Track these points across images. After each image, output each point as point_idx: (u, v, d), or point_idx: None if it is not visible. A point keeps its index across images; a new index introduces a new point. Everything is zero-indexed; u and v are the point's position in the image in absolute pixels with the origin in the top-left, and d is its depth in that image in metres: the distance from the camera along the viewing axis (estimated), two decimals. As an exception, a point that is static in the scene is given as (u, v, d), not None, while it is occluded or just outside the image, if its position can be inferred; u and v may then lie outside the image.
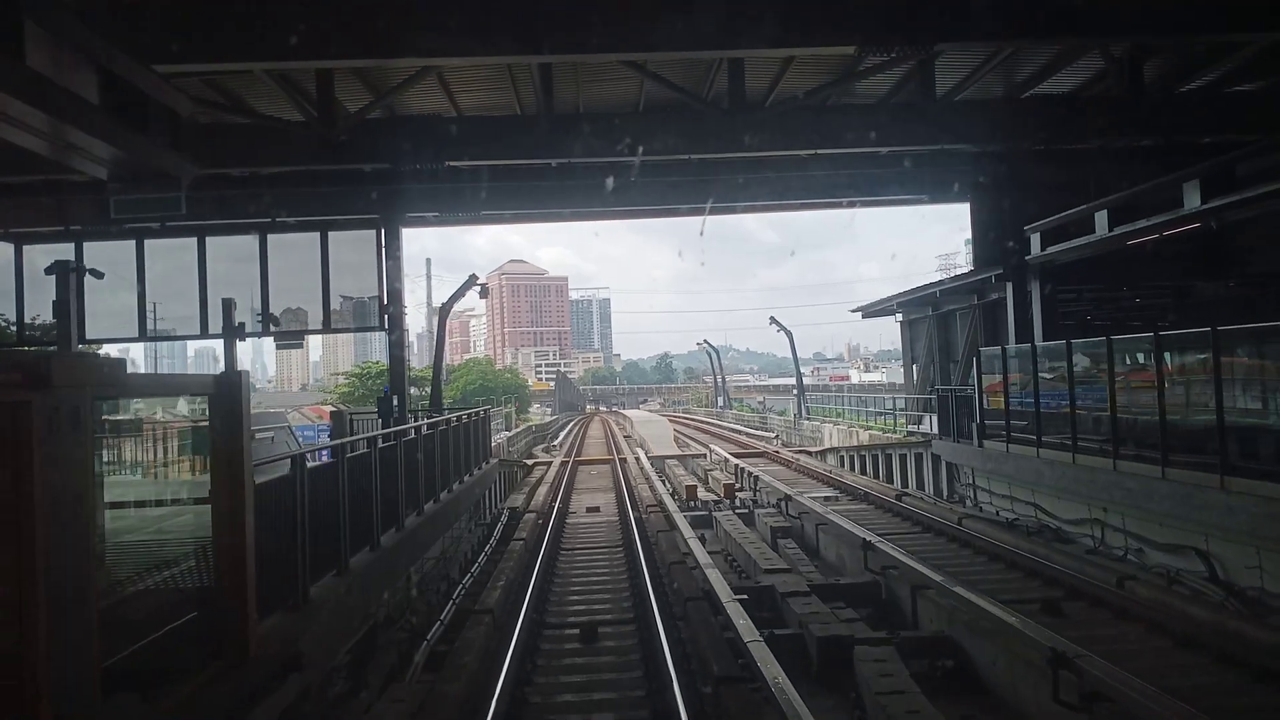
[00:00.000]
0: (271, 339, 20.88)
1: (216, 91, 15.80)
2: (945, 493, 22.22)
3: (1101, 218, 16.69)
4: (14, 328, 20.15)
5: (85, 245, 20.13)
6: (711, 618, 11.31)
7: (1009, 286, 21.30)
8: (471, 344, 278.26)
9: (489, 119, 17.23)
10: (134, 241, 20.35)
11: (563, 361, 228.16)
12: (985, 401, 19.15)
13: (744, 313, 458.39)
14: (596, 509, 22.88)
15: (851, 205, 25.00)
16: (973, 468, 20.03)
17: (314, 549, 8.68)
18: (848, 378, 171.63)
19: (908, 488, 24.40)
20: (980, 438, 19.09)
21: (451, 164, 16.40)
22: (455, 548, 17.10)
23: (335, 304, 20.94)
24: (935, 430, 25.58)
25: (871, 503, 21.06)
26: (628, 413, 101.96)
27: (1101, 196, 17.10)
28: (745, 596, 11.86)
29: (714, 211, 25.28)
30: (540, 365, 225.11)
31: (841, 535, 16.18)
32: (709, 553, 15.33)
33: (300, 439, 24.96)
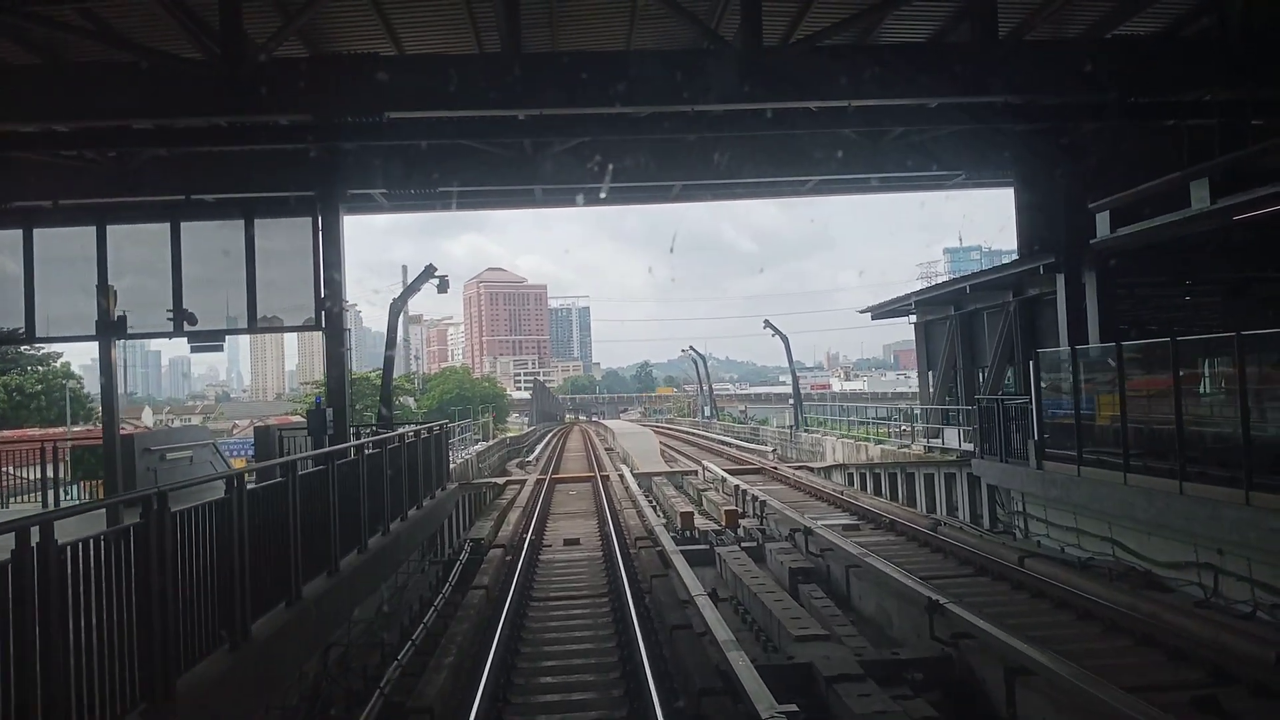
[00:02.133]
0: (186, 340, 17.25)
1: (90, 20, 12.35)
2: (987, 522, 18.96)
3: (1200, 188, 13.49)
4: None
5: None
6: (741, 728, 7.99)
7: (1060, 279, 18.13)
8: (450, 353, 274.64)
9: (441, 58, 13.84)
10: (20, 231, 16.78)
11: (541, 370, 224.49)
12: (1046, 414, 15.88)
13: (723, 321, 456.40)
14: (576, 540, 19.47)
15: (870, 186, 21.76)
16: (1026, 493, 16.77)
17: (188, 615, 6.11)
18: (828, 386, 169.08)
19: (935, 513, 21.16)
20: (1039, 458, 15.82)
21: (394, 116, 12.97)
22: (398, 598, 13.66)
23: (267, 300, 17.47)
24: (962, 446, 22.40)
25: (902, 534, 17.77)
26: (608, 423, 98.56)
27: (1193, 165, 13.96)
28: (787, 699, 8.52)
29: (716, 196, 22.11)
30: (519, 374, 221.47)
31: (885, 584, 12.86)
32: (714, 603, 12.02)
33: (229, 460, 21.47)
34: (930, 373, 28.03)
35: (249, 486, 7.59)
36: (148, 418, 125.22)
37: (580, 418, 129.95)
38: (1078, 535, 15.21)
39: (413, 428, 16.92)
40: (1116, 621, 10.96)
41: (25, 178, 15.75)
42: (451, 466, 26.53)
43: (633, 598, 13.16)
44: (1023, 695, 8.77)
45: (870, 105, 14.93)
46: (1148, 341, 14.54)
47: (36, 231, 16.69)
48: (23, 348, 62.62)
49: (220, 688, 6.32)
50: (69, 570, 4.80)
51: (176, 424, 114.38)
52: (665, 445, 50.96)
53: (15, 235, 16.65)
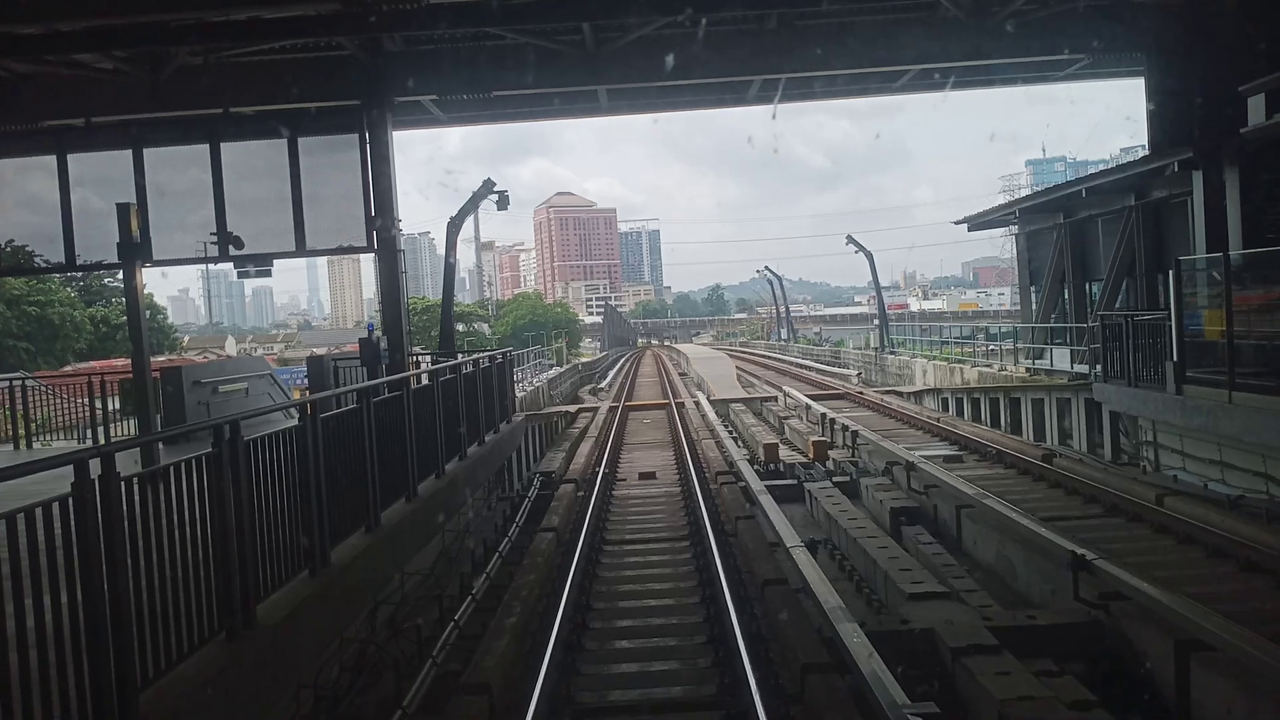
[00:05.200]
0: (234, 266, 16.15)
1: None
2: (1108, 452, 17.07)
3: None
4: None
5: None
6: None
7: (1197, 177, 15.87)
8: (522, 279, 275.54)
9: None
10: (54, 157, 15.76)
11: (613, 295, 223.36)
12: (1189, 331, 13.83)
13: (794, 241, 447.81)
14: (651, 475, 18.16)
15: (974, 78, 19.41)
16: (1159, 421, 14.84)
17: (266, 542, 5.97)
18: (906, 306, 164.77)
19: (1045, 442, 19.29)
20: (1179, 381, 13.84)
21: (432, 1, 11.33)
22: (458, 543, 12.51)
23: (315, 221, 16.28)
24: (1074, 368, 20.40)
25: (1011, 466, 16.02)
26: (681, 347, 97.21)
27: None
28: (909, 675, 7.08)
29: (798, 95, 19.99)
30: (590, 299, 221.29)
31: (1007, 529, 11.23)
32: (812, 556, 10.58)
33: (287, 388, 20.64)
34: (1033, 289, 25.80)
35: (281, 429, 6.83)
36: (230, 347, 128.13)
37: (653, 342, 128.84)
38: (1221, 469, 13.34)
39: (473, 357, 15.64)
40: (1294, 577, 9.23)
41: (54, 94, 14.60)
42: (521, 395, 25.49)
43: (716, 544, 11.78)
44: (1199, 676, 7.17)
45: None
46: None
47: (71, 156, 15.75)
48: (106, 279, 63.54)
49: (301, 612, 6.19)
50: (136, 500, 4.62)
51: (259, 352, 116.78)
52: (741, 370, 49.36)
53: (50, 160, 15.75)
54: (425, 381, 11.98)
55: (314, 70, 15.13)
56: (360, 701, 7.14)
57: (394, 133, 16.27)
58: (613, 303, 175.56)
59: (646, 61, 15.35)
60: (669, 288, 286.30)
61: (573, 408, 30.82)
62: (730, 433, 23.63)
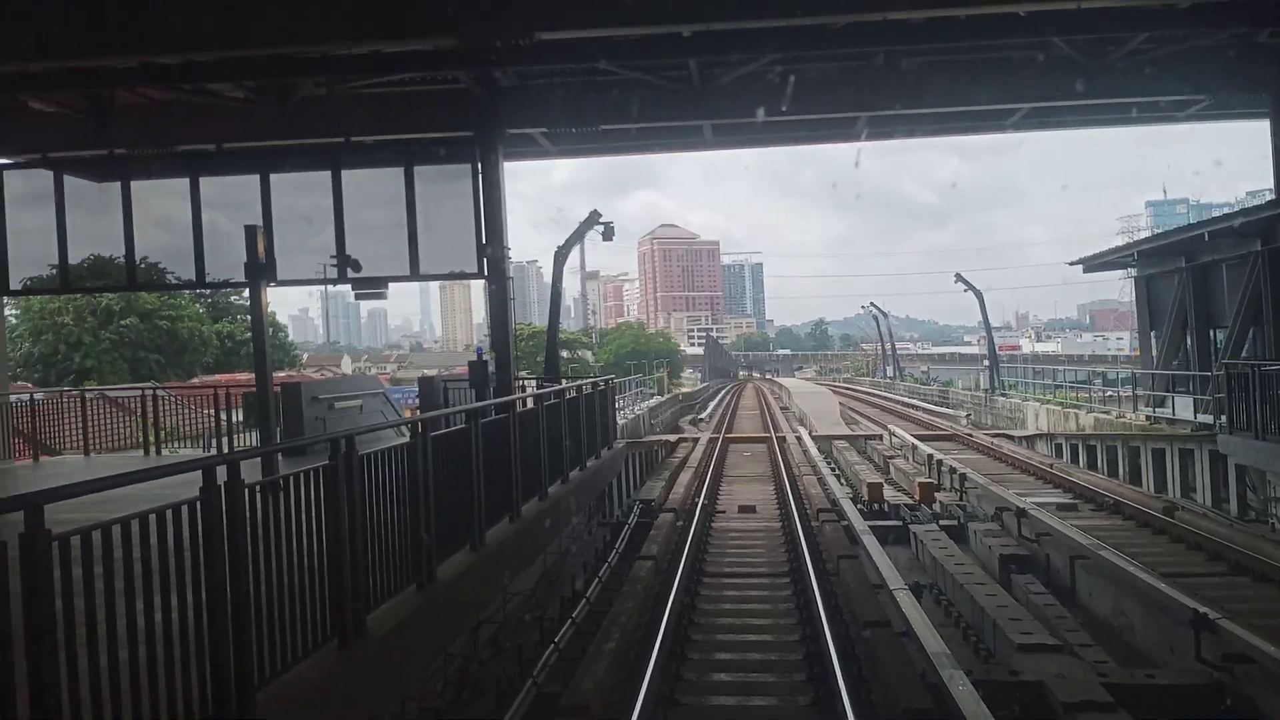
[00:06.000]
0: (351, 289, 16.76)
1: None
2: (1234, 508, 16.17)
3: None
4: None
5: (132, 183, 16.56)
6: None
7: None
8: (625, 308, 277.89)
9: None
10: (187, 180, 16.66)
11: (714, 326, 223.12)
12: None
13: (902, 278, 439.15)
14: (752, 508, 17.99)
15: (1091, 117, 18.83)
16: (1294, 477, 14.00)
17: (377, 554, 6.15)
18: (1018, 347, 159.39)
19: (1166, 494, 18.39)
20: (1318, 436, 13.03)
21: (544, 38, 11.59)
22: (559, 566, 12.61)
23: (428, 247, 16.77)
24: (1197, 417, 19.43)
25: (1130, 518, 15.31)
26: (783, 381, 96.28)
27: None
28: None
29: (906, 132, 19.70)
30: (692, 330, 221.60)
31: (1125, 582, 10.73)
32: (917, 600, 10.31)
33: (399, 407, 21.22)
34: (1153, 333, 24.72)
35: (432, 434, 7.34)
36: (346, 365, 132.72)
37: (754, 374, 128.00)
38: (1365, 531, 12.48)
39: (576, 383, 15.83)
40: None
41: (189, 120, 15.45)
42: (623, 422, 25.62)
43: (817, 581, 11.59)
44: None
45: (1102, 6, 12.47)
46: None
47: (203, 180, 16.62)
48: (232, 297, 66.63)
49: (408, 625, 6.34)
50: (258, 507, 4.79)
51: (373, 371, 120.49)
52: (844, 406, 48.60)
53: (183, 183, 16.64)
54: (530, 405, 12.18)
55: (431, 102, 15.62)
56: (463, 717, 7.24)
57: (505, 163, 16.69)
58: (714, 334, 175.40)
59: (751, 97, 15.36)
60: (771, 321, 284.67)
61: (673, 437, 30.81)
62: (833, 469, 23.25)
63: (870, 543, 13.17)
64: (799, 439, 29.52)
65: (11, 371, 21.62)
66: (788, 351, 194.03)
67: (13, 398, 17.40)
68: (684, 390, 68.52)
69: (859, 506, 16.89)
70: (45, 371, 47.01)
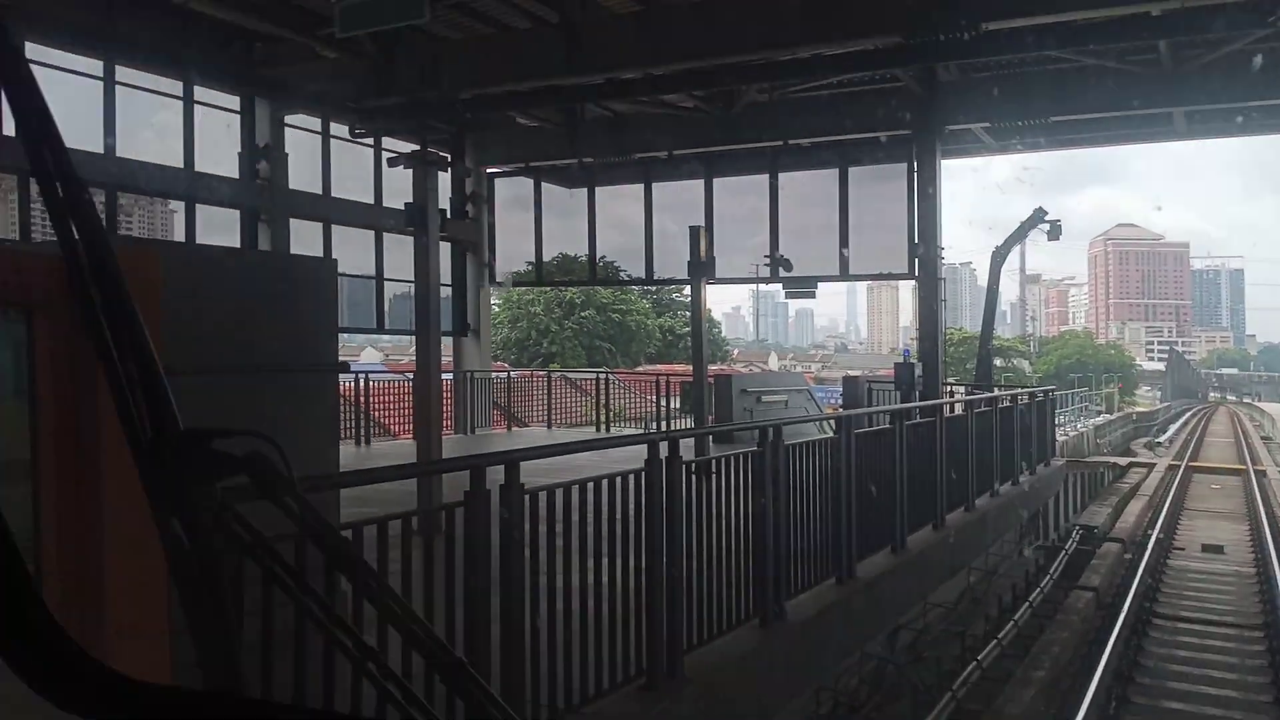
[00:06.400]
0: (781, 286, 17.28)
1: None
2: None
3: None
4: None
5: (596, 189, 18.49)
6: None
7: None
8: (1070, 315, 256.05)
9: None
10: (641, 185, 18.21)
11: (1179, 340, 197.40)
12: None
13: None
14: (1219, 548, 15.69)
15: None
16: None
17: (797, 544, 6.19)
18: None
19: None
20: None
21: (990, 27, 10.91)
22: (985, 583, 11.92)
23: (858, 247, 16.78)
24: None
25: None
26: (1266, 406, 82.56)
27: None
28: None
29: None
30: (1152, 342, 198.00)
31: None
32: None
33: (821, 405, 21.42)
34: None
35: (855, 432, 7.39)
36: (773, 362, 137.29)
37: (1228, 397, 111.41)
38: None
39: (1011, 392, 14.86)
40: None
41: (644, 129, 16.84)
42: (1063, 439, 23.63)
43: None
44: None
45: None
46: None
47: (655, 185, 18.07)
48: (674, 294, 72.00)
49: (826, 616, 6.40)
50: (692, 485, 5.03)
51: (798, 369, 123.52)
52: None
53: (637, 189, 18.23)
54: (959, 411, 11.65)
55: (866, 102, 15.50)
56: (875, 717, 7.15)
57: (942, 161, 16.12)
58: (1179, 348, 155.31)
59: (1231, 79, 13.27)
60: (1253, 336, 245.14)
61: (1123, 460, 27.80)
62: (1328, 512, 19.52)
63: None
64: (1284, 474, 25.16)
65: (493, 353, 25.09)
66: (1273, 373, 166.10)
67: (492, 376, 20.23)
68: (1139, 410, 61.43)
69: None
70: (519, 354, 53.95)
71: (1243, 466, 27.02)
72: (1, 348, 2.80)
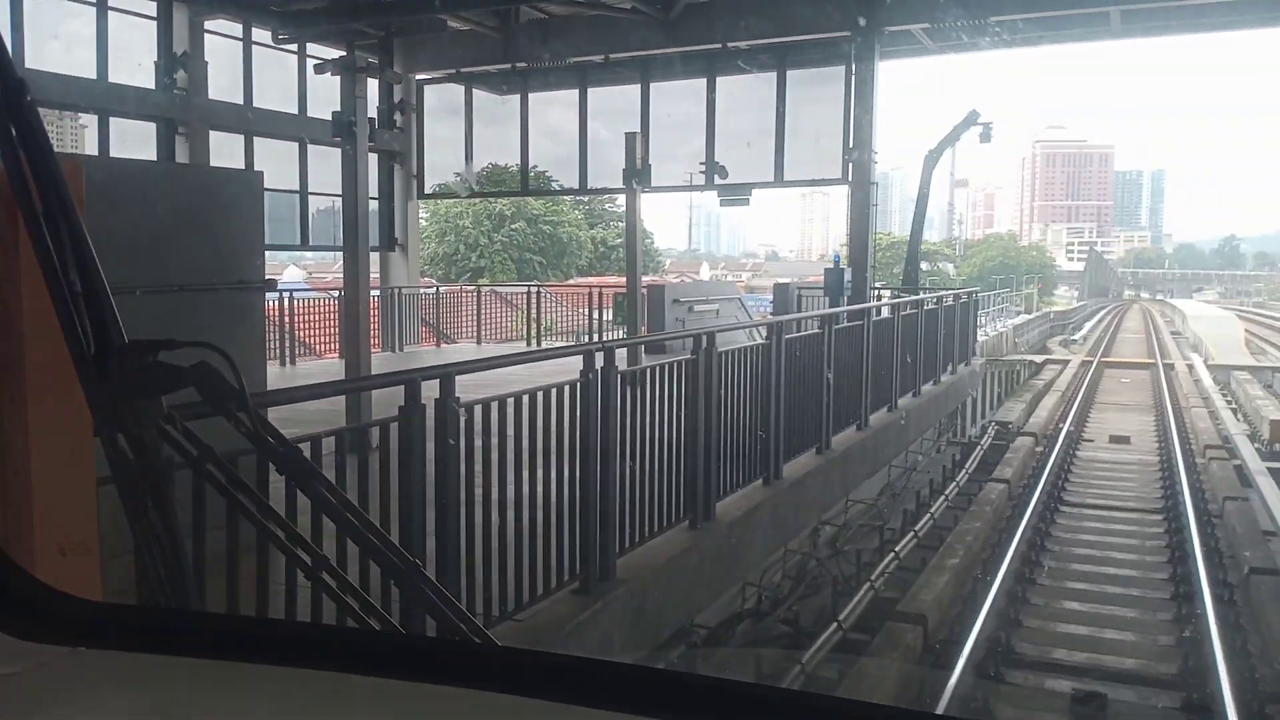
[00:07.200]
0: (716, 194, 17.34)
1: None
2: None
3: None
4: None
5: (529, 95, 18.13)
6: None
7: None
8: (996, 219, 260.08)
9: None
10: (576, 91, 17.90)
11: (1099, 240, 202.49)
12: None
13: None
14: (1125, 439, 16.59)
15: None
16: None
17: (727, 449, 6.48)
18: None
19: None
20: None
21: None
22: (904, 479, 12.49)
23: (793, 153, 16.84)
24: None
25: None
26: (1178, 303, 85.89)
27: None
28: None
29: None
30: (1072, 243, 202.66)
31: None
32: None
33: (752, 313, 21.75)
34: None
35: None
36: (704, 272, 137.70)
37: (1142, 295, 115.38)
38: None
39: (934, 294, 15.30)
40: None
41: (580, 33, 16.49)
42: (983, 339, 24.41)
43: (1196, 521, 10.55)
44: None
45: None
46: None
47: (590, 91, 17.78)
48: (605, 204, 71.43)
49: (753, 516, 6.69)
50: (625, 394, 5.20)
51: (730, 278, 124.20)
52: (1252, 334, 42.57)
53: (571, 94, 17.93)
54: (885, 314, 12.00)
55: (807, 1, 15.40)
56: (798, 609, 7.58)
57: (879, 64, 16.13)
58: (1099, 248, 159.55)
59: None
60: (1169, 235, 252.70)
61: (1039, 358, 28.92)
62: (1229, 404, 20.67)
63: (1266, 485, 11.70)
64: (1190, 367, 26.44)
65: (420, 268, 24.84)
66: (1186, 271, 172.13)
67: (420, 291, 20.06)
68: (1056, 309, 63.38)
69: (1256, 446, 14.97)
70: (446, 269, 53.25)
71: (1152, 360, 28.31)
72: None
